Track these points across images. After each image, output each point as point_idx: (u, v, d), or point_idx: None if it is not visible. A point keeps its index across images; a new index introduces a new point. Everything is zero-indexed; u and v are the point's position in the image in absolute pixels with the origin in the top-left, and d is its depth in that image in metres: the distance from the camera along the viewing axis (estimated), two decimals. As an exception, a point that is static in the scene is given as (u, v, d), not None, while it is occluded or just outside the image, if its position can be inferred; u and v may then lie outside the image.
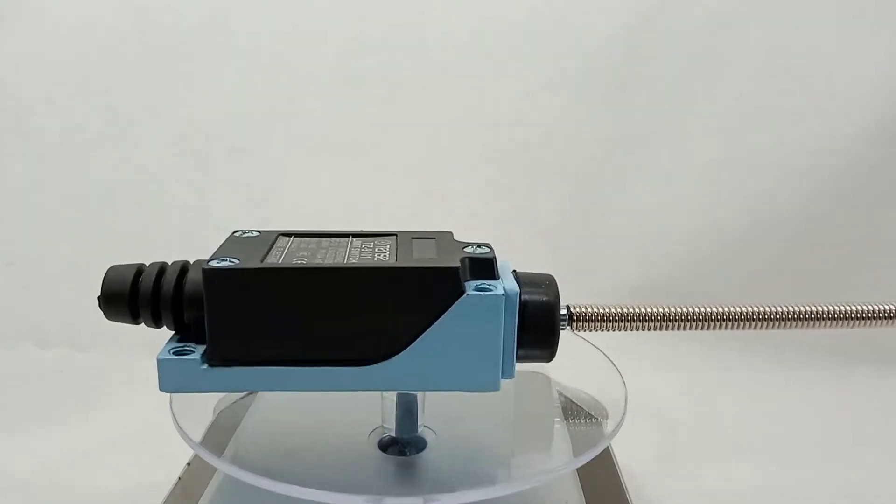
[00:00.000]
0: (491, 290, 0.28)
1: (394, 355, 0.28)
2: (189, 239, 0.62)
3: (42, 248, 0.63)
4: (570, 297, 0.32)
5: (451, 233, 0.33)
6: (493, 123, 0.67)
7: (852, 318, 0.32)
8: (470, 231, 0.32)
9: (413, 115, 0.67)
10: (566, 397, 0.38)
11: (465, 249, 0.31)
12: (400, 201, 0.67)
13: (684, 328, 0.32)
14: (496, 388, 0.29)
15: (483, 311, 0.28)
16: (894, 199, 0.62)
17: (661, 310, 0.32)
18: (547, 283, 0.31)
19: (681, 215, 0.65)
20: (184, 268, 0.30)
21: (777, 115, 0.63)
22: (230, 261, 0.28)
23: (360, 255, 0.29)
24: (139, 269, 0.30)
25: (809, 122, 0.62)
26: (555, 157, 0.67)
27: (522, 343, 0.29)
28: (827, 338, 0.56)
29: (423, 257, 0.29)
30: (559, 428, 0.36)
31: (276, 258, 0.29)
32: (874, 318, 0.32)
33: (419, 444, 0.33)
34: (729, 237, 0.62)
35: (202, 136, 0.66)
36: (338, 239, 0.32)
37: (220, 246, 0.30)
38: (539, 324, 0.30)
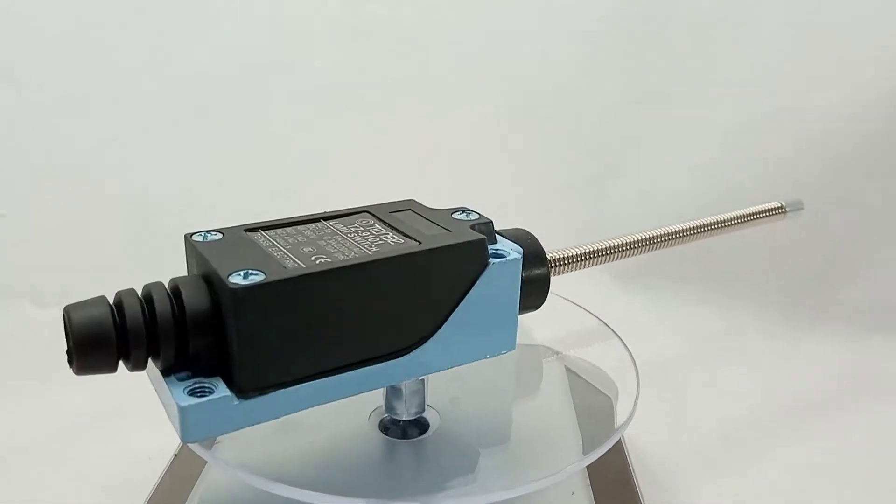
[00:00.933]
0: (507, 255, 0.29)
1: (430, 337, 0.27)
2: (187, 195, 0.60)
3: (35, 204, 0.59)
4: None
5: (414, 200, 0.32)
6: (505, 81, 0.63)
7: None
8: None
9: (420, 70, 0.62)
10: (572, 371, 0.37)
11: (454, 216, 0.30)
12: (405, 160, 0.62)
13: (641, 252, 0.35)
14: (514, 347, 0.30)
15: (505, 275, 0.29)
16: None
17: (618, 241, 0.35)
18: (530, 238, 0.32)
19: (696, 179, 0.62)
20: (167, 291, 0.25)
21: (798, 79, 0.60)
22: (253, 274, 0.24)
23: (370, 243, 0.27)
24: (110, 305, 0.24)
25: (831, 86, 0.59)
26: (567, 117, 0.63)
27: (523, 297, 0.30)
28: (842, 303, 0.56)
29: (439, 233, 0.28)
30: (567, 410, 0.34)
31: (291, 262, 0.25)
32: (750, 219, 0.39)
33: (422, 426, 0.32)
34: (746, 202, 0.60)
35: (202, 89, 0.62)
36: (315, 225, 0.29)
37: (211, 257, 0.25)
38: (536, 276, 0.31)
